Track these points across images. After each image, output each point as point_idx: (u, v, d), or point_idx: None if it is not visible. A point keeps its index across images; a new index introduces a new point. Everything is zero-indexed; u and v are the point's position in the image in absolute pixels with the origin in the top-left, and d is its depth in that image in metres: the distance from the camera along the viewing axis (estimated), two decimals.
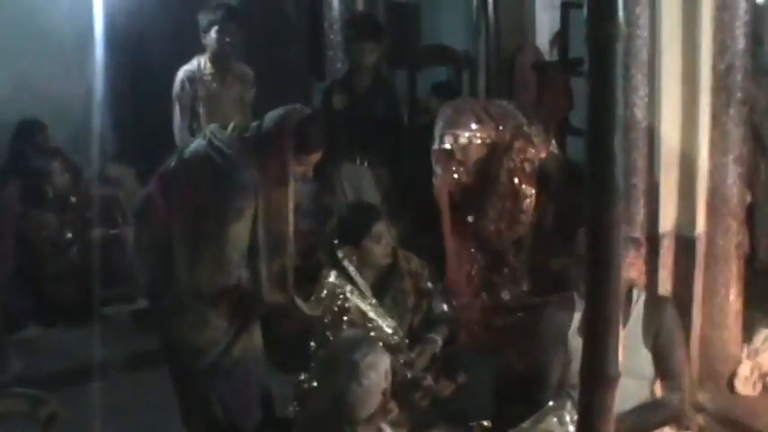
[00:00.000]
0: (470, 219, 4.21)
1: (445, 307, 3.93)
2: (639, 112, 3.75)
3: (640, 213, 3.79)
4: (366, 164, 5.46)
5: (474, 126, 4.09)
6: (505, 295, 4.23)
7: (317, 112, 3.80)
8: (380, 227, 3.74)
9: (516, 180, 4.12)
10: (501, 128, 4.14)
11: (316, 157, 3.47)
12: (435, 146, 4.17)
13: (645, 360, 3.39)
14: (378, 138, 5.43)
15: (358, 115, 5.39)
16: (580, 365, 1.65)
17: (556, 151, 4.34)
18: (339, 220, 3.86)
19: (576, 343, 3.33)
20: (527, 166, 4.14)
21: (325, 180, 5.51)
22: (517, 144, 4.14)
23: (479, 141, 4.10)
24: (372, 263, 3.75)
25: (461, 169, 4.18)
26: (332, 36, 6.16)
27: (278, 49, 7.39)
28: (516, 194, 4.13)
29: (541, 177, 4.16)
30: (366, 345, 2.95)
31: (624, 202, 3.68)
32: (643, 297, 3.48)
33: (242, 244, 3.29)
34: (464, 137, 4.08)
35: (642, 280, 3.68)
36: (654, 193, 3.82)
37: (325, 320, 3.65)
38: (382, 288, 3.79)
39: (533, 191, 4.14)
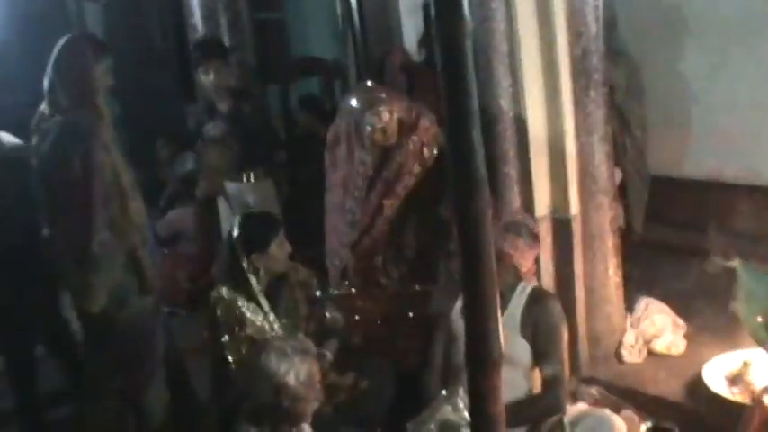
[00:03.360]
0: (386, 202, 4.21)
1: (337, 314, 3.96)
2: (505, 103, 3.85)
3: (516, 201, 3.90)
4: (251, 180, 5.46)
5: (390, 101, 4.05)
6: (393, 273, 4.25)
7: None
8: (281, 231, 3.78)
9: (410, 160, 4.13)
10: (408, 105, 4.13)
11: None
12: (363, 130, 4.09)
13: (522, 348, 3.44)
14: (255, 154, 5.43)
15: (229, 135, 5.38)
16: (465, 350, 1.71)
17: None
18: (242, 231, 3.83)
19: (458, 324, 3.41)
20: (425, 151, 4.15)
21: (207, 202, 5.48)
22: (423, 123, 4.11)
23: (396, 116, 4.07)
24: (275, 269, 3.76)
25: (364, 152, 4.16)
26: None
27: (147, 75, 7.31)
28: (408, 173, 4.16)
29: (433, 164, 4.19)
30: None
31: (499, 191, 3.81)
32: (530, 288, 3.54)
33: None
34: (386, 112, 4.03)
35: (532, 273, 3.73)
36: (527, 180, 3.93)
37: (223, 339, 3.63)
38: (275, 298, 3.80)
39: (419, 169, 4.15)
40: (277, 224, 3.82)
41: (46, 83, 3.89)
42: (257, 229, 3.80)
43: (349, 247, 4.22)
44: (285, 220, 5.27)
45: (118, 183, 3.88)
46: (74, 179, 3.79)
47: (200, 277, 5.79)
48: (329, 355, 3.80)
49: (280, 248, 3.75)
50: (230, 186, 5.44)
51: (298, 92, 6.81)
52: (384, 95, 4.09)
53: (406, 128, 4.10)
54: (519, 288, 3.51)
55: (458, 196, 1.61)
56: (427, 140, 4.10)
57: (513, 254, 3.41)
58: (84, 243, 3.82)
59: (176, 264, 5.65)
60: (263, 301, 3.71)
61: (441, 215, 4.08)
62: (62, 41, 3.91)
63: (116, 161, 3.88)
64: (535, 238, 3.54)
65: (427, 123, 4.10)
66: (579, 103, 3.91)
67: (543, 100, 3.91)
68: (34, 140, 3.96)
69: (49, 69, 3.88)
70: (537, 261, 3.82)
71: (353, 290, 4.26)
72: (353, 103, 4.17)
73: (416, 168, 4.11)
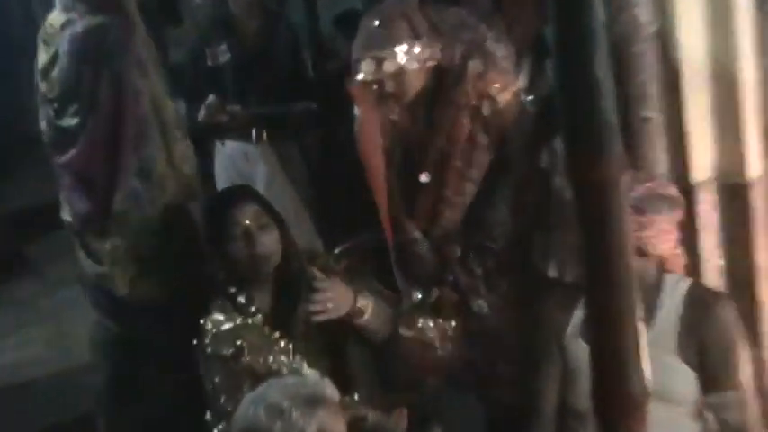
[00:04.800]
0: (423, 178, 4.26)
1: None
2: (644, 13, 3.81)
3: (662, 159, 3.88)
4: (264, 139, 5.54)
5: (407, 43, 4.05)
6: (479, 305, 4.29)
7: None
8: (246, 216, 3.78)
9: (466, 122, 4.16)
10: (449, 43, 4.14)
11: None
12: (351, 78, 4.17)
13: (682, 376, 3.44)
14: (276, 102, 5.49)
15: (245, 75, 5.45)
16: (591, 384, 1.72)
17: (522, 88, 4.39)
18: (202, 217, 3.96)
19: (577, 348, 3.46)
20: (486, 106, 4.15)
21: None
22: (473, 66, 4.12)
23: (416, 65, 4.09)
24: (247, 276, 3.83)
25: (396, 108, 4.20)
26: None
27: None
28: (467, 143, 4.18)
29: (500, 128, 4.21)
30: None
31: (636, 147, 3.80)
32: (684, 286, 3.55)
33: None
34: (392, 61, 4.05)
35: (681, 260, 3.73)
36: (679, 129, 3.90)
37: (215, 381, 3.69)
38: (287, 312, 3.84)
39: (487, 141, 4.19)
40: (228, 205, 3.83)
41: None
42: (206, 218, 3.88)
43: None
44: (317, 199, 5.37)
45: (158, 116, 4.14)
46: (98, 105, 4.07)
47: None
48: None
49: (237, 243, 3.76)
50: (231, 147, 5.51)
51: (332, 8, 6.83)
52: (402, 31, 4.07)
53: (449, 76, 4.14)
54: (667, 286, 3.52)
55: (575, 157, 1.62)
56: (485, 91, 4.11)
57: (655, 241, 3.40)
58: (106, 196, 4.13)
59: None
60: (257, 319, 3.77)
61: (546, 185, 4.08)
62: None
63: (156, 87, 4.13)
64: (676, 204, 3.55)
65: (479, 67, 4.11)
66: (760, 11, 3.86)
67: (703, 8, 3.87)
68: (40, 61, 4.22)
69: None
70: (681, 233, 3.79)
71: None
72: (362, 30, 4.21)
73: (482, 137, 4.13)
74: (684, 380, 3.44)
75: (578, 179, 1.63)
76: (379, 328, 3.89)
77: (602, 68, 1.60)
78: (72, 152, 4.22)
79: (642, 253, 3.38)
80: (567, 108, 1.62)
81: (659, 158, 3.88)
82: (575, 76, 1.60)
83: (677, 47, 3.86)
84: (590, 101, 1.60)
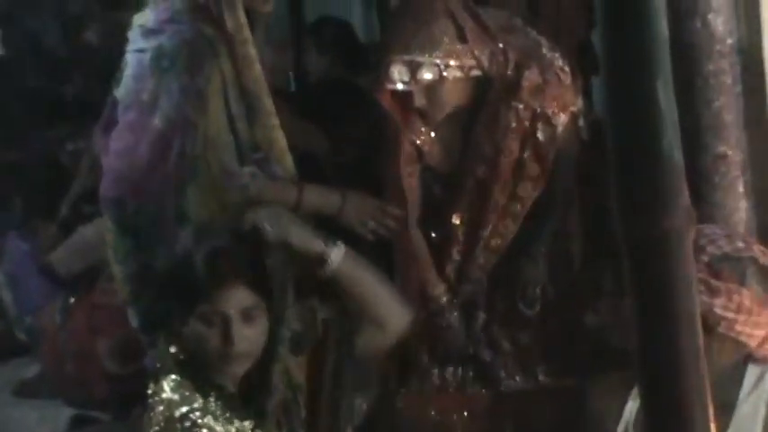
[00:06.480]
0: (456, 220, 4.25)
1: None
2: (721, 23, 3.83)
3: (742, 208, 3.87)
4: None
5: (448, 44, 4.07)
6: (507, 385, 4.29)
7: None
8: (230, 304, 3.61)
9: (515, 148, 4.16)
10: (500, 48, 4.16)
11: None
12: (378, 85, 4.17)
13: None
14: None
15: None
16: None
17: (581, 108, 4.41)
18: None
19: None
20: (541, 129, 4.16)
21: None
22: (529, 77, 4.13)
23: (459, 74, 4.11)
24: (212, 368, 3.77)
25: (423, 128, 4.20)
26: None
27: None
28: (514, 173, 4.17)
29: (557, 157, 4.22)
30: None
31: (706, 192, 3.79)
32: None
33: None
34: (430, 67, 4.09)
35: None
36: (765, 168, 3.90)
37: None
38: (260, 392, 3.83)
39: (538, 171, 4.18)
40: (224, 291, 3.65)
41: None
42: (183, 278, 3.80)
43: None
44: None
45: (209, 161, 4.18)
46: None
47: (135, 352, 5.88)
48: None
49: (223, 340, 3.62)
50: None
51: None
52: (444, 29, 4.10)
53: (498, 89, 4.15)
54: (750, 380, 3.49)
55: (627, 207, 1.62)
56: (541, 111, 4.12)
57: (733, 318, 3.38)
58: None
59: (92, 324, 5.71)
60: (222, 399, 3.74)
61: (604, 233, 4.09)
62: None
63: (214, 126, 4.17)
64: (765, 272, 3.47)
65: (537, 79, 4.13)
66: None
67: None
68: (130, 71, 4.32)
69: None
70: None
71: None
72: (392, 28, 4.32)
73: (533, 167, 4.14)
74: None
75: (631, 235, 1.62)
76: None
77: (665, 92, 1.59)
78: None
79: (717, 335, 3.35)
80: (618, 142, 1.61)
81: (739, 207, 3.88)
82: (628, 100, 1.59)
83: (763, 62, 3.87)
84: (648, 133, 1.59)
